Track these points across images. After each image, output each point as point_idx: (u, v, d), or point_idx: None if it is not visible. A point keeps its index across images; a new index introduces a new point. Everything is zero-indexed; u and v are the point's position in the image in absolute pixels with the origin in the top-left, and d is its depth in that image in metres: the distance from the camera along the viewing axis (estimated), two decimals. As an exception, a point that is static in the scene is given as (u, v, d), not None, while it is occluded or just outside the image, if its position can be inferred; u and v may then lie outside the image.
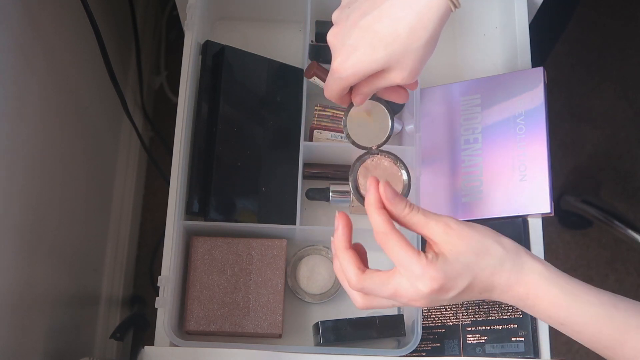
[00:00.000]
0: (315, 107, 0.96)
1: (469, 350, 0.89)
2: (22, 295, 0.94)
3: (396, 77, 0.68)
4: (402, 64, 0.67)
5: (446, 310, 0.91)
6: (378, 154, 0.76)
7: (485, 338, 0.89)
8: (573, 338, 0.65)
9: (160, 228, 1.25)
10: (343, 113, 0.78)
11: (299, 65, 0.99)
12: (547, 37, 1.27)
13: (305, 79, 0.95)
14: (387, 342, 0.91)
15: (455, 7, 0.64)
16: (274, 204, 0.92)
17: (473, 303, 0.91)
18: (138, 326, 1.21)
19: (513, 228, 0.92)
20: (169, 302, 0.84)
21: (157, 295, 0.85)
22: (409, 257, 0.61)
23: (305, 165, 0.95)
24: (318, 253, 0.94)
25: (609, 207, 1.65)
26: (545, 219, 0.93)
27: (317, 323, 0.86)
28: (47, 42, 1.01)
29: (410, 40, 0.65)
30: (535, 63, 0.98)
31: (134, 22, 1.37)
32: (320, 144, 0.95)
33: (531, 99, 0.93)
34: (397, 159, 0.76)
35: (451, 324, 0.90)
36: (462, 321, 0.90)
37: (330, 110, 0.95)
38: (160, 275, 0.86)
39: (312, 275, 0.93)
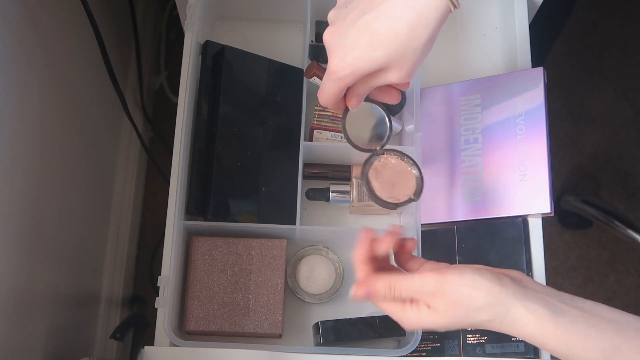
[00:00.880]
0: (315, 107, 0.96)
1: (469, 350, 0.89)
2: (22, 295, 0.94)
3: (393, 76, 0.68)
4: (400, 64, 0.66)
5: (446, 310, 0.91)
6: (384, 154, 0.76)
7: (485, 338, 0.89)
8: None
9: (160, 228, 1.25)
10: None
11: (299, 65, 0.99)
12: (547, 37, 1.26)
13: (305, 79, 0.95)
14: (387, 342, 0.91)
15: (455, 7, 0.64)
16: (274, 204, 0.92)
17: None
18: (138, 326, 1.21)
19: (513, 228, 0.92)
20: (169, 302, 0.84)
21: (157, 295, 0.85)
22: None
23: (305, 165, 0.95)
24: (318, 253, 0.94)
25: (609, 207, 1.64)
26: (545, 219, 0.93)
27: (317, 323, 0.86)
28: (47, 42, 1.01)
29: (410, 40, 0.64)
30: (535, 63, 0.98)
31: (134, 22, 1.37)
32: (320, 144, 0.95)
33: (531, 99, 0.93)
34: (403, 155, 0.76)
35: (451, 324, 0.90)
36: (462, 321, 0.90)
37: (330, 110, 0.95)
38: (160, 275, 0.86)
39: (312, 275, 0.93)
